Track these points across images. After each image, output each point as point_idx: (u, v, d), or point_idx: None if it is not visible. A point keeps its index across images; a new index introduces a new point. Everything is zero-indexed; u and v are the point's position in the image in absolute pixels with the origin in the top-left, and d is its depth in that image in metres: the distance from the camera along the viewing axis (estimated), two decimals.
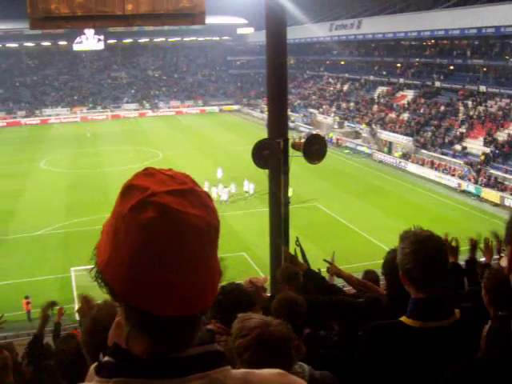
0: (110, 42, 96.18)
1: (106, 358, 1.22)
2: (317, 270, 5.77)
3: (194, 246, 1.16)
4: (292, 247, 6.77)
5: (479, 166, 43.94)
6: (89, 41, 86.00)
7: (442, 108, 57.20)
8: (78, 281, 24.87)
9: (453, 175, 44.98)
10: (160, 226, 1.14)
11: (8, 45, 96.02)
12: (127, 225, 1.16)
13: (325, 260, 5.85)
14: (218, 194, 38.21)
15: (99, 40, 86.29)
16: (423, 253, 2.65)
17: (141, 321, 1.19)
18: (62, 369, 4.11)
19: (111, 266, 1.19)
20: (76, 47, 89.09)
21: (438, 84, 60.66)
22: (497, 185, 40.75)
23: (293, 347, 2.54)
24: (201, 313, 1.23)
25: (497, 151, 45.31)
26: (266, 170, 11.53)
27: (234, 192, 39.66)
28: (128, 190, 1.21)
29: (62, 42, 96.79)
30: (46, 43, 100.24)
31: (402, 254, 2.73)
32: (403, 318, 2.72)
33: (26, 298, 23.43)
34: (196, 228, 1.16)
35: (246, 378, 1.25)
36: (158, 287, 1.14)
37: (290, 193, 41.45)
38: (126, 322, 1.22)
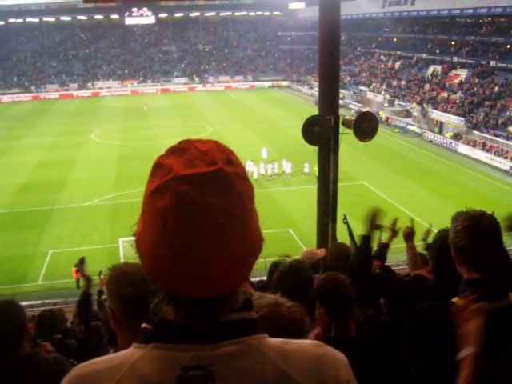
0: (161, 16, 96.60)
1: (144, 325, 1.26)
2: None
3: (213, 235, 1.12)
4: (339, 225, 6.73)
5: None
6: (140, 14, 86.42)
7: (497, 88, 55.67)
8: (125, 251, 25.31)
9: (505, 158, 43.91)
10: (174, 215, 1.11)
11: (62, 18, 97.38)
12: (149, 207, 1.17)
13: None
14: (265, 170, 38.26)
15: (151, 14, 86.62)
16: (477, 229, 2.62)
17: (166, 295, 1.23)
18: (110, 329, 4.21)
19: (141, 242, 1.22)
20: (128, 21, 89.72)
21: (493, 63, 58.97)
22: None
23: (304, 331, 2.43)
24: (228, 293, 1.22)
25: None
26: (312, 148, 11.47)
27: (276, 171, 39.33)
28: (155, 168, 1.21)
29: (114, 16, 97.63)
30: (99, 17, 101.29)
31: (454, 232, 2.69)
32: (455, 299, 2.66)
33: (76, 266, 23.95)
34: (214, 218, 1.12)
35: (281, 346, 1.26)
36: (173, 272, 1.15)
37: (316, 172, 40.81)
38: (158, 292, 1.25)
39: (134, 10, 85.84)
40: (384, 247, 5.89)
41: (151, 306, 1.27)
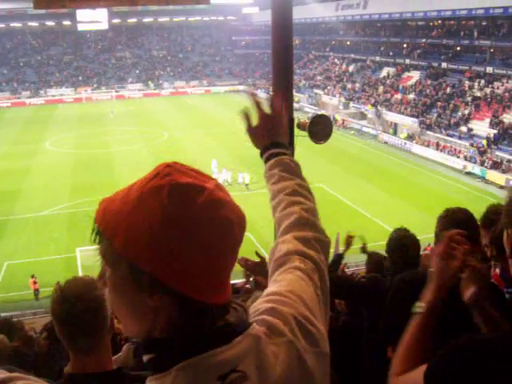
0: (115, 21, 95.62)
1: (147, 356, 1.20)
2: None
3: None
4: None
5: (485, 148, 43.77)
6: (93, 20, 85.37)
7: (449, 89, 56.82)
8: (83, 261, 24.99)
9: (458, 157, 44.83)
10: (238, 226, 1.23)
11: (12, 24, 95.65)
12: (200, 221, 1.15)
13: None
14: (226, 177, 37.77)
15: (103, 19, 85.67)
16: (449, 218, 3.04)
17: (176, 304, 1.17)
18: None
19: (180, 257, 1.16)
20: (80, 27, 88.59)
21: (444, 65, 60.19)
22: (502, 167, 40.58)
23: None
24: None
25: (500, 134, 45.06)
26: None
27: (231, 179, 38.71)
28: (182, 189, 1.16)
29: (66, 22, 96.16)
30: (50, 23, 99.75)
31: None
32: None
33: (33, 277, 23.54)
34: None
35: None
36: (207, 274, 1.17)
37: (247, 179, 39.50)
38: (161, 309, 1.17)
39: (87, 16, 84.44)
40: (339, 257, 6.20)
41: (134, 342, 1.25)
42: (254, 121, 1.87)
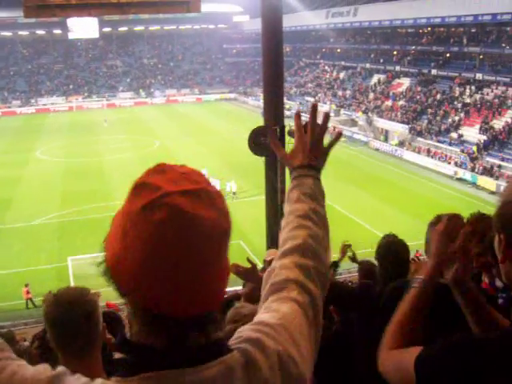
0: (105, 30, 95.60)
1: (121, 355, 1.22)
2: None
3: (205, 248, 1.16)
4: None
5: (475, 154, 43.97)
6: (83, 29, 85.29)
7: (439, 96, 57.09)
8: (75, 269, 24.88)
9: (449, 163, 45.01)
10: (171, 227, 1.12)
11: (2, 33, 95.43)
12: (138, 224, 1.15)
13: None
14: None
15: (94, 28, 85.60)
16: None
17: (147, 318, 1.18)
18: None
19: (120, 264, 1.17)
20: (71, 35, 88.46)
21: (434, 72, 60.52)
22: (492, 172, 40.74)
23: None
24: (208, 312, 1.22)
25: (490, 140, 45.30)
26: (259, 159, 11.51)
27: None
28: (139, 187, 1.19)
29: (57, 31, 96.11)
30: (41, 32, 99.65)
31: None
32: None
33: (26, 286, 23.40)
34: (207, 231, 1.15)
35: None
36: (166, 288, 1.13)
37: (234, 187, 39.42)
38: (134, 319, 1.21)
39: (78, 24, 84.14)
40: (334, 265, 6.27)
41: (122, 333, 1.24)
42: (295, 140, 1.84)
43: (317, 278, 1.52)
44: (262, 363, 1.25)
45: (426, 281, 2.09)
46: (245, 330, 1.36)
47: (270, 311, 1.42)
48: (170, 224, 1.12)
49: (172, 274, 1.13)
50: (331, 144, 1.79)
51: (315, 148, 1.78)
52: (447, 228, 2.14)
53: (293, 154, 1.81)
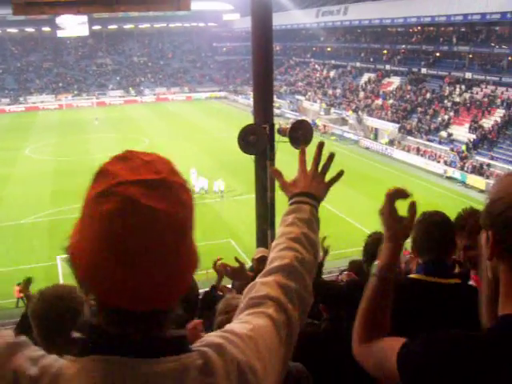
0: (95, 28, 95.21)
1: (77, 335, 1.19)
2: None
3: (156, 242, 1.12)
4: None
5: (465, 153, 44.16)
6: (73, 27, 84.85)
7: (428, 95, 57.27)
8: (64, 269, 24.77)
9: (439, 162, 45.17)
10: (120, 218, 1.10)
11: None
12: (91, 212, 1.15)
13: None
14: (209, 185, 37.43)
15: (83, 26, 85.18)
16: (426, 222, 3.07)
17: (101, 307, 1.18)
18: None
19: (76, 252, 1.18)
20: (60, 33, 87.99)
21: (424, 71, 60.68)
22: (482, 171, 40.91)
23: None
24: (165, 308, 1.19)
25: (480, 139, 45.50)
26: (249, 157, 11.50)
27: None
28: (99, 174, 1.20)
29: (46, 28, 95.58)
30: (30, 29, 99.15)
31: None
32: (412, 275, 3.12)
33: (18, 285, 23.22)
34: (160, 224, 1.12)
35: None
36: (113, 280, 1.11)
37: (222, 186, 39.38)
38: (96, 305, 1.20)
39: (67, 22, 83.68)
40: (319, 264, 6.22)
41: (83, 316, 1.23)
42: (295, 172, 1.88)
43: (297, 301, 1.51)
44: (219, 368, 1.23)
45: (384, 268, 2.05)
46: (211, 336, 1.34)
47: (242, 322, 1.41)
48: (118, 214, 1.10)
49: (119, 267, 1.10)
50: (333, 180, 1.84)
51: (317, 180, 1.84)
52: (390, 206, 2.14)
53: (294, 183, 1.85)
